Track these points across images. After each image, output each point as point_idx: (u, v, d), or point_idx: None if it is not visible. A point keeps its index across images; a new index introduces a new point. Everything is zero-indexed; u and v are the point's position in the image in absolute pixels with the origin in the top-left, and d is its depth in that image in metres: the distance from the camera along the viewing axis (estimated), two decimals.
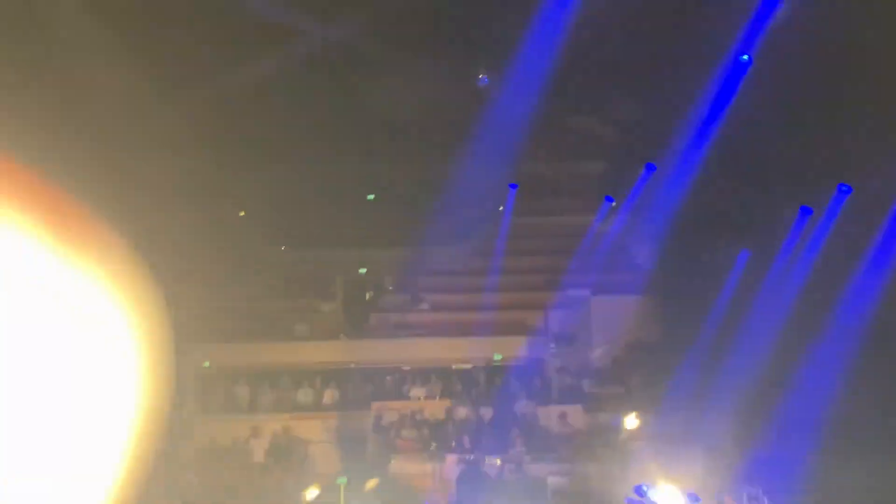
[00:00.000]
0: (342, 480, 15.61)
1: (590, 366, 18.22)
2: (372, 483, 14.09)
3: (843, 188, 15.12)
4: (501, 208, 20.32)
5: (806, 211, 15.70)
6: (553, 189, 21.05)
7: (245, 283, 19.83)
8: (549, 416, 16.75)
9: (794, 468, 11.77)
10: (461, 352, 18.45)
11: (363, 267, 20.37)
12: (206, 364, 18.04)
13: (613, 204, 19.69)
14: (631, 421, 14.46)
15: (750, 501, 10.99)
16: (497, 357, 18.25)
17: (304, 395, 17.77)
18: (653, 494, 10.67)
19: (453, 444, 15.88)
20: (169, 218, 18.12)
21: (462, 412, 16.90)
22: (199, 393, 17.90)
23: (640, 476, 12.23)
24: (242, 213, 20.87)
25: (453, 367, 18.50)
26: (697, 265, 16.79)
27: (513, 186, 19.92)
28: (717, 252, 17.43)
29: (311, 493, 13.40)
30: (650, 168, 17.90)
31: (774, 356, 14.04)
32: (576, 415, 16.58)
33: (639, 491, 11.00)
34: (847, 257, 14.22)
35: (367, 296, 20.37)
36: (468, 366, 18.51)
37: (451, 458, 15.36)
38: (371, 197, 21.80)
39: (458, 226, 20.26)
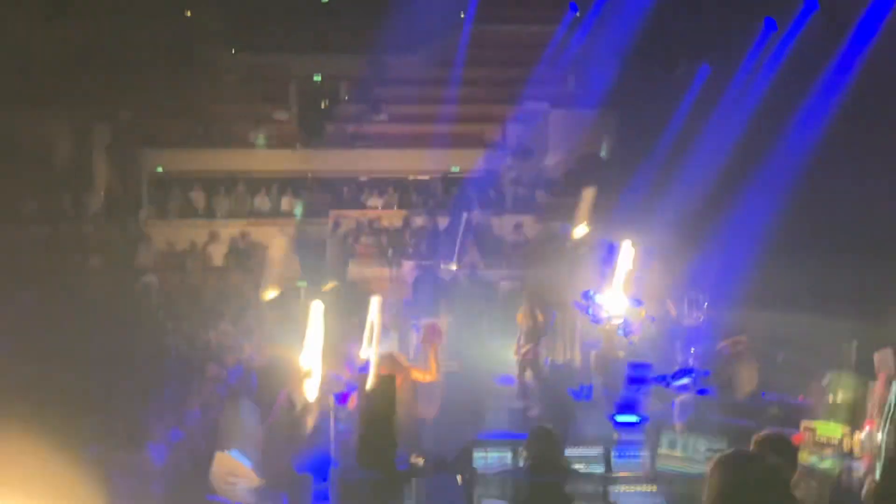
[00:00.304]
0: (302, 283, 16.11)
1: (544, 177, 18.50)
2: (329, 286, 14.51)
3: (811, 3, 14.88)
4: (462, 15, 19.61)
5: (770, 25, 15.52)
6: None
7: (196, 86, 19.22)
8: (502, 224, 17.21)
9: (733, 275, 12.38)
10: (418, 163, 18.49)
11: (318, 74, 19.78)
12: (160, 169, 17.83)
13: (577, 14, 19.15)
14: (580, 230, 14.87)
15: (691, 305, 11.50)
16: (454, 169, 18.35)
17: (261, 202, 17.82)
18: (599, 299, 11.09)
19: (410, 250, 16.32)
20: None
21: (419, 221, 17.22)
22: (153, 198, 17.83)
23: (587, 281, 12.76)
24: (189, 13, 19.83)
25: (410, 177, 18.61)
26: (657, 79, 16.69)
27: None
28: (677, 66, 17.31)
29: (270, 293, 13.75)
30: None
31: (725, 170, 14.38)
32: (528, 224, 17.05)
33: (586, 296, 11.44)
34: (805, 76, 14.27)
35: (323, 104, 19.95)
36: (425, 177, 18.63)
37: (408, 264, 15.83)
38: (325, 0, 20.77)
39: (417, 33, 19.56)
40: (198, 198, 17.72)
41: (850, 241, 12.13)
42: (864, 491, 2.69)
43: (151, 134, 18.27)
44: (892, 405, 5.80)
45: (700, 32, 15.70)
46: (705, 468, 5.20)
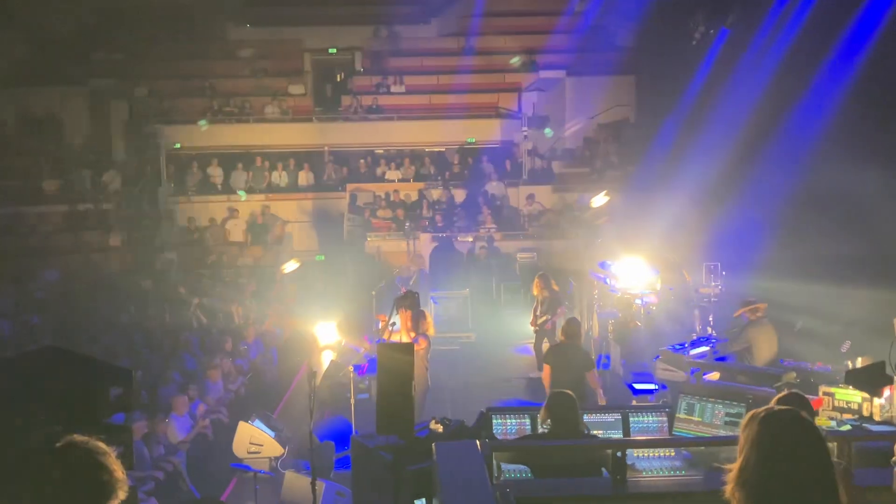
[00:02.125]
0: (320, 257, 16.21)
1: (560, 147, 18.37)
2: (347, 259, 14.59)
3: None
4: None
5: None
6: None
7: (211, 61, 19.24)
8: (518, 196, 17.13)
9: (750, 242, 12.28)
10: (434, 134, 18.40)
11: (332, 46, 19.68)
12: (177, 145, 17.88)
13: None
14: (599, 199, 14.76)
15: (708, 274, 11.42)
16: (470, 140, 18.26)
17: (279, 177, 17.86)
18: (615, 268, 11.06)
19: (426, 223, 16.32)
20: None
21: (435, 193, 17.18)
22: (172, 174, 17.92)
23: (604, 252, 12.71)
24: None
25: (426, 149, 18.55)
26: (675, 44, 16.43)
27: None
28: (696, 31, 17.01)
29: (290, 266, 13.84)
30: None
31: (743, 136, 14.19)
32: (545, 194, 16.96)
33: (603, 265, 11.41)
34: (825, 40, 13.99)
35: (338, 77, 19.88)
36: (441, 148, 18.57)
37: (425, 236, 15.85)
38: None
39: (431, 3, 19.43)
40: (215, 173, 17.77)
41: (870, 209, 11.96)
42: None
43: (167, 110, 18.31)
44: None
45: None
46: (722, 432, 5.23)
